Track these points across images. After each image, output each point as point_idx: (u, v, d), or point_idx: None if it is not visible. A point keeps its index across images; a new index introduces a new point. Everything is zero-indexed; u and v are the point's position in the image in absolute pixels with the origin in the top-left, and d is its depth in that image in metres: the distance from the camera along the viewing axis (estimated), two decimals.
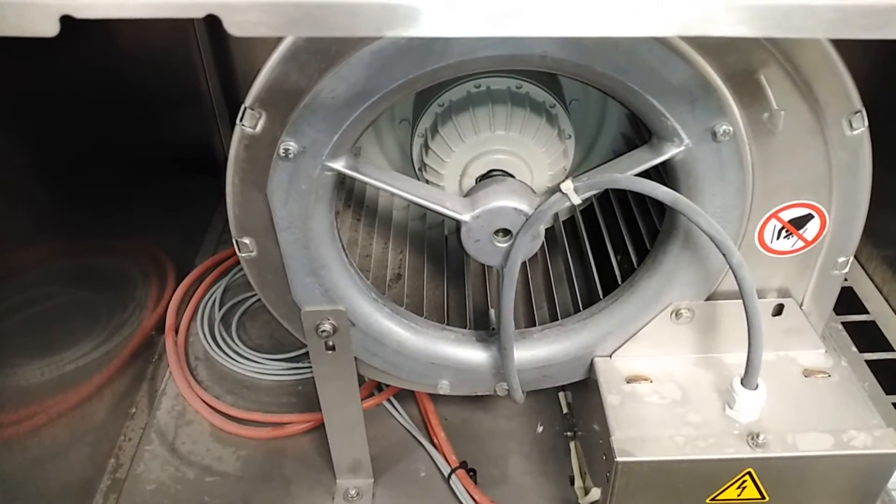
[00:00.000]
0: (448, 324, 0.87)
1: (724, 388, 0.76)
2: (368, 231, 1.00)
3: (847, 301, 1.20)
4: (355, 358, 0.82)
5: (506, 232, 0.75)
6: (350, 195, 1.00)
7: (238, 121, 0.66)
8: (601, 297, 0.85)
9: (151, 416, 1.06)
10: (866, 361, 1.10)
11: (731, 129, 0.67)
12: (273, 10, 0.42)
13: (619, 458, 0.71)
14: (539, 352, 0.84)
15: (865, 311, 1.19)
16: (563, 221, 1.05)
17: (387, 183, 0.73)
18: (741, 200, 0.71)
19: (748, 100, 0.66)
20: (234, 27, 0.42)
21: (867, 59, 1.09)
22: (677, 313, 0.79)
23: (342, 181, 0.78)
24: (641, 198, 0.90)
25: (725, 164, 0.69)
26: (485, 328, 0.89)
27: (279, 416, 1.04)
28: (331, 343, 0.78)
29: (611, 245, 0.92)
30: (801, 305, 0.80)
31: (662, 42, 0.62)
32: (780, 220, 0.74)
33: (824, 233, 0.75)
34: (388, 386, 1.04)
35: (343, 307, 0.77)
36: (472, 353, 0.85)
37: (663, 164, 0.71)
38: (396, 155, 1.02)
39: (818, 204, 0.73)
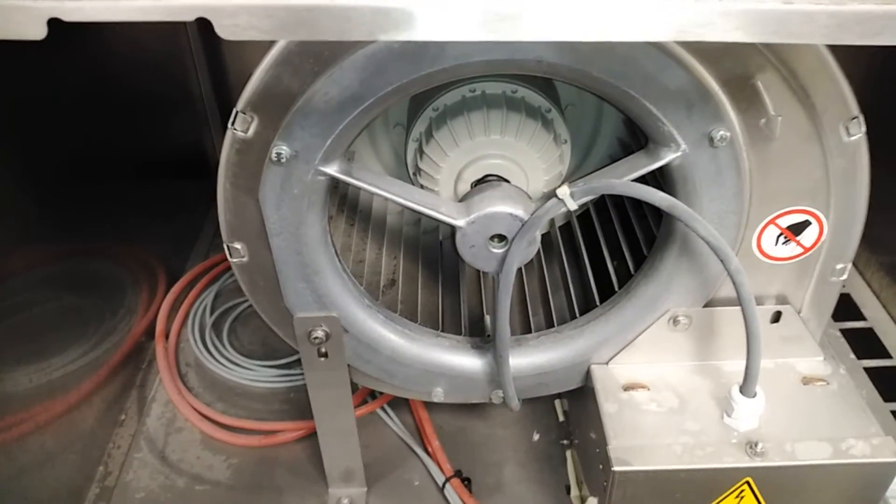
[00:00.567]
0: (443, 330, 0.87)
1: (722, 395, 0.75)
2: (362, 236, 0.99)
3: (845, 308, 1.20)
4: (348, 365, 0.81)
5: (501, 237, 0.74)
6: (343, 200, 0.99)
7: (230, 125, 0.65)
8: (598, 303, 0.85)
9: (141, 423, 1.04)
10: (864, 369, 1.09)
11: (728, 134, 0.66)
12: (263, 14, 0.42)
13: (616, 468, 0.70)
14: (535, 359, 0.83)
15: (863, 318, 1.19)
16: (560, 227, 1.04)
17: (381, 188, 0.73)
18: (739, 206, 0.71)
19: (745, 105, 0.66)
20: (225, 31, 0.42)
21: (864, 64, 1.09)
22: (675, 320, 0.79)
23: (335, 186, 0.77)
24: (638, 203, 0.90)
25: (723, 169, 0.68)
26: (480, 335, 0.88)
27: (271, 423, 1.03)
28: (323, 350, 0.77)
29: (607, 251, 0.91)
30: (799, 312, 0.80)
31: (659, 47, 0.61)
32: (777, 226, 0.74)
33: (822, 239, 0.75)
34: (381, 393, 1.03)
35: (336, 313, 0.76)
36: (466, 361, 0.84)
37: (660, 169, 0.70)
38: (391, 159, 1.01)
39: (816, 210, 0.73)
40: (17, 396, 0.81)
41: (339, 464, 0.90)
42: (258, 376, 1.11)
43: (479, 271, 1.00)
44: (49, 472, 0.86)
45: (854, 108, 0.66)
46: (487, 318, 0.93)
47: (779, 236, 0.74)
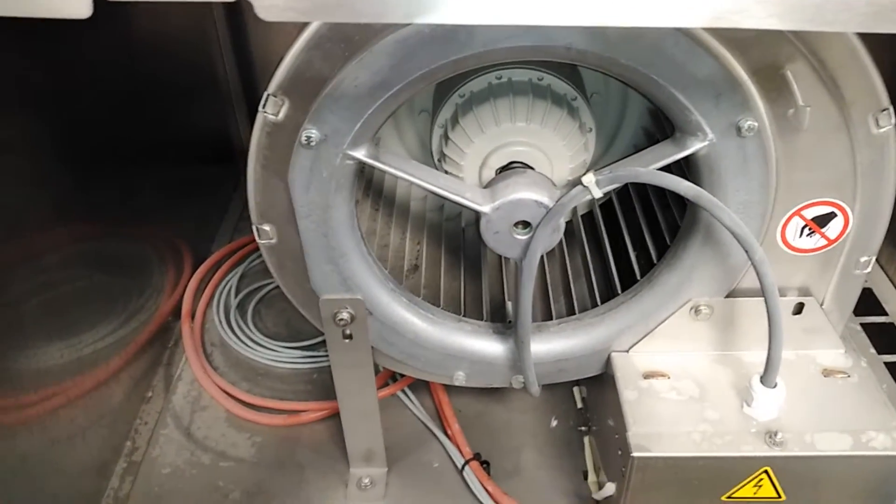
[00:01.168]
0: (465, 315, 0.87)
1: (742, 385, 0.76)
2: (386, 221, 1.00)
3: (866, 302, 1.19)
4: (372, 347, 0.82)
5: (525, 224, 0.75)
6: (369, 185, 1.00)
7: (261, 108, 0.66)
8: (619, 291, 0.85)
9: (167, 400, 1.07)
10: (885, 363, 1.09)
11: (755, 124, 0.66)
12: None
13: (635, 454, 0.70)
14: (556, 345, 0.84)
15: (884, 313, 1.18)
16: (582, 215, 1.04)
17: (408, 172, 0.73)
18: (764, 197, 0.71)
19: (773, 95, 0.65)
20: (265, 11, 0.42)
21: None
22: (696, 310, 0.79)
23: (362, 170, 0.78)
24: (661, 192, 0.90)
25: (749, 159, 0.68)
26: (501, 321, 0.89)
27: (294, 403, 1.04)
28: (348, 332, 0.79)
29: (629, 239, 0.91)
30: (821, 305, 0.79)
31: (688, 35, 0.61)
32: (803, 217, 0.74)
33: (847, 231, 0.74)
34: (402, 376, 1.04)
35: (361, 296, 0.78)
36: (488, 346, 0.84)
37: (685, 158, 0.70)
38: (415, 146, 1.02)
39: (842, 202, 0.72)
40: (49, 371, 0.83)
41: (360, 444, 0.92)
42: (282, 357, 1.12)
43: (500, 258, 1.00)
44: (79, 445, 0.88)
45: (884, 99, 0.66)
46: (509, 304, 0.93)
47: (803, 228, 0.74)
